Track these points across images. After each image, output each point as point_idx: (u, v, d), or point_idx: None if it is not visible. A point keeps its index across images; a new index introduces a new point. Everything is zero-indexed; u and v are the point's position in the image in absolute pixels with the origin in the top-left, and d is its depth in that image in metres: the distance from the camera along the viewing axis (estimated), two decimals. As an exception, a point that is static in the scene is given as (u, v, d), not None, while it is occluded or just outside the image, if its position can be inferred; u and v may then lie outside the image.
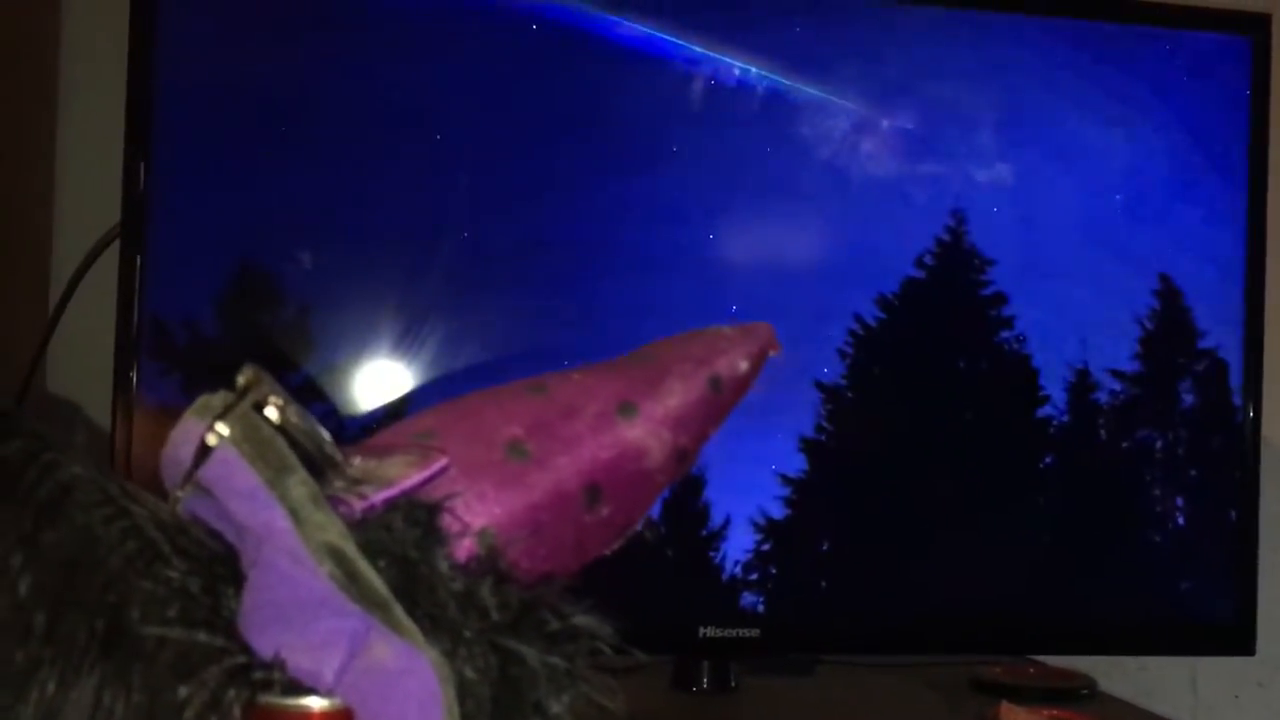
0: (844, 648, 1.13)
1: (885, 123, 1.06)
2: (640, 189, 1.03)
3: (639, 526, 0.45)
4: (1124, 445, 1.11)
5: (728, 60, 1.04)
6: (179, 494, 0.37)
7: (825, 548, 1.06)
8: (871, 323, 1.06)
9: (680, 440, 0.45)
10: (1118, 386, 1.11)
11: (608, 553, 0.45)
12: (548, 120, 1.02)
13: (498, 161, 1.01)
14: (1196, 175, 1.11)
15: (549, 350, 1.01)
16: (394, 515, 0.37)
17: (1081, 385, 1.10)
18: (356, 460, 0.39)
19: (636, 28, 1.02)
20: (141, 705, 0.34)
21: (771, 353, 0.49)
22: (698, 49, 1.03)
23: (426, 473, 0.39)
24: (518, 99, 1.01)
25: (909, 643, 1.10)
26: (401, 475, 0.38)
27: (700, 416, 0.46)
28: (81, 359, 1.10)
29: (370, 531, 0.37)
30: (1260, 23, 1.11)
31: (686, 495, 1.04)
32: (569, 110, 1.02)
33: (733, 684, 1.09)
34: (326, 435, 0.38)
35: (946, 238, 1.07)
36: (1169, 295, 1.11)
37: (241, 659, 0.35)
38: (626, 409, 0.44)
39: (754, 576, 1.05)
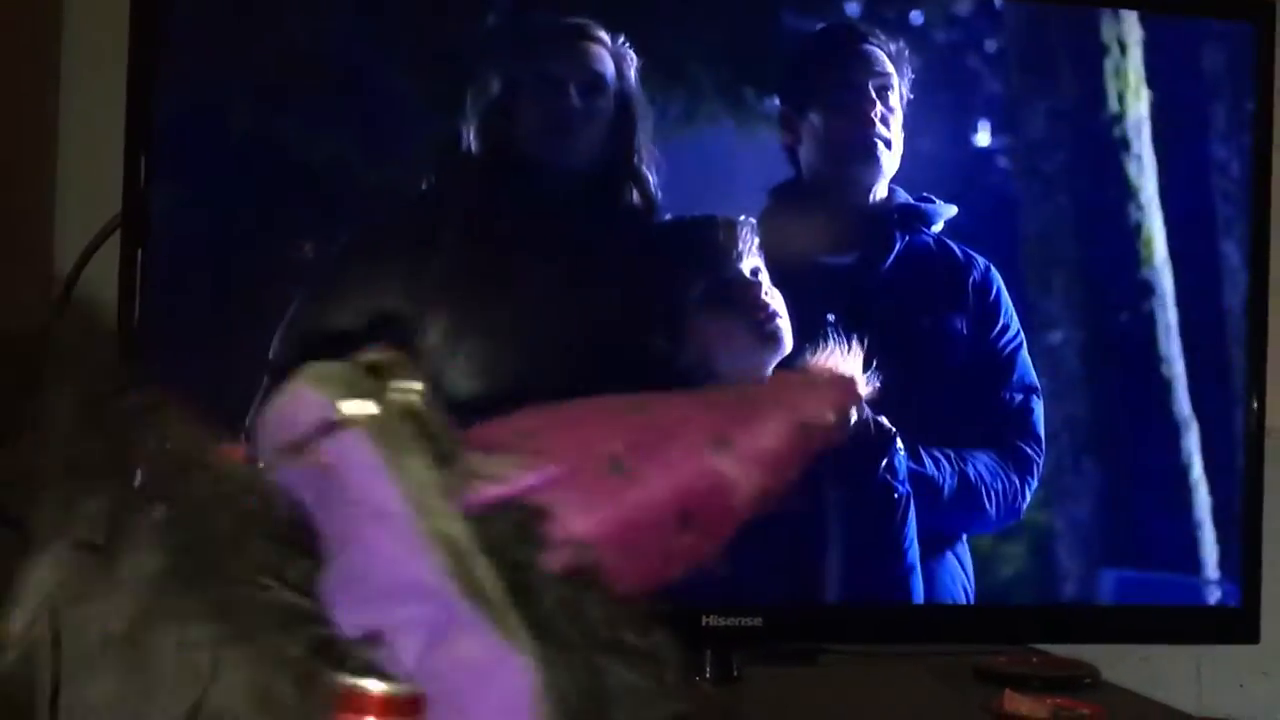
0: (847, 637, 1.13)
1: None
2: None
3: (709, 559, 0.46)
4: (1128, 435, 1.11)
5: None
6: (272, 460, 0.37)
7: (828, 537, 1.05)
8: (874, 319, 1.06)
9: (766, 480, 0.45)
10: (1122, 376, 1.11)
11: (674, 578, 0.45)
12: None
13: (505, 157, 1.01)
14: (1199, 161, 1.11)
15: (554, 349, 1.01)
16: (501, 515, 0.38)
17: (1085, 375, 1.10)
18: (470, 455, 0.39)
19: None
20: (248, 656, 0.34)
21: (851, 405, 0.50)
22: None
23: (538, 475, 0.39)
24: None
25: (912, 632, 1.10)
26: (512, 475, 0.39)
27: (786, 459, 0.46)
28: (86, 347, 1.10)
29: (485, 527, 0.37)
30: (1265, 8, 1.11)
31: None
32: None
33: (735, 673, 1.09)
34: (447, 426, 0.38)
35: (932, 240, 1.07)
36: (1172, 284, 1.10)
37: (329, 630, 0.35)
38: (722, 443, 0.45)
39: (757, 566, 1.05)
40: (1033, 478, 1.08)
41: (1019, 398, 1.08)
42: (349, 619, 0.35)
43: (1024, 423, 1.08)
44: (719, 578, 1.01)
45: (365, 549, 0.35)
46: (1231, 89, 1.10)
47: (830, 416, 0.47)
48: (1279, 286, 1.13)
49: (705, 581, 1.01)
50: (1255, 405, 1.10)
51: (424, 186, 1.01)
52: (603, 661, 0.37)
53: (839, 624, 1.07)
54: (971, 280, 1.07)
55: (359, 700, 0.35)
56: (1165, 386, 1.11)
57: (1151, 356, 1.11)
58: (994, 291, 1.08)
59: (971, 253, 1.08)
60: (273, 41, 0.99)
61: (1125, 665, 1.22)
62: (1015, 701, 1.02)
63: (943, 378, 1.08)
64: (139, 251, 0.96)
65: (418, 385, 0.37)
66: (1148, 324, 1.10)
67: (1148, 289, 1.10)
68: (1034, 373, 1.08)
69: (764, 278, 1.03)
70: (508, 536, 0.37)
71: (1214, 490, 1.10)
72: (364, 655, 0.35)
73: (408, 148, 1.01)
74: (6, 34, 1.08)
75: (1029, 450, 1.08)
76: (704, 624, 1.03)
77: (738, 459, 0.44)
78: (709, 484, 0.44)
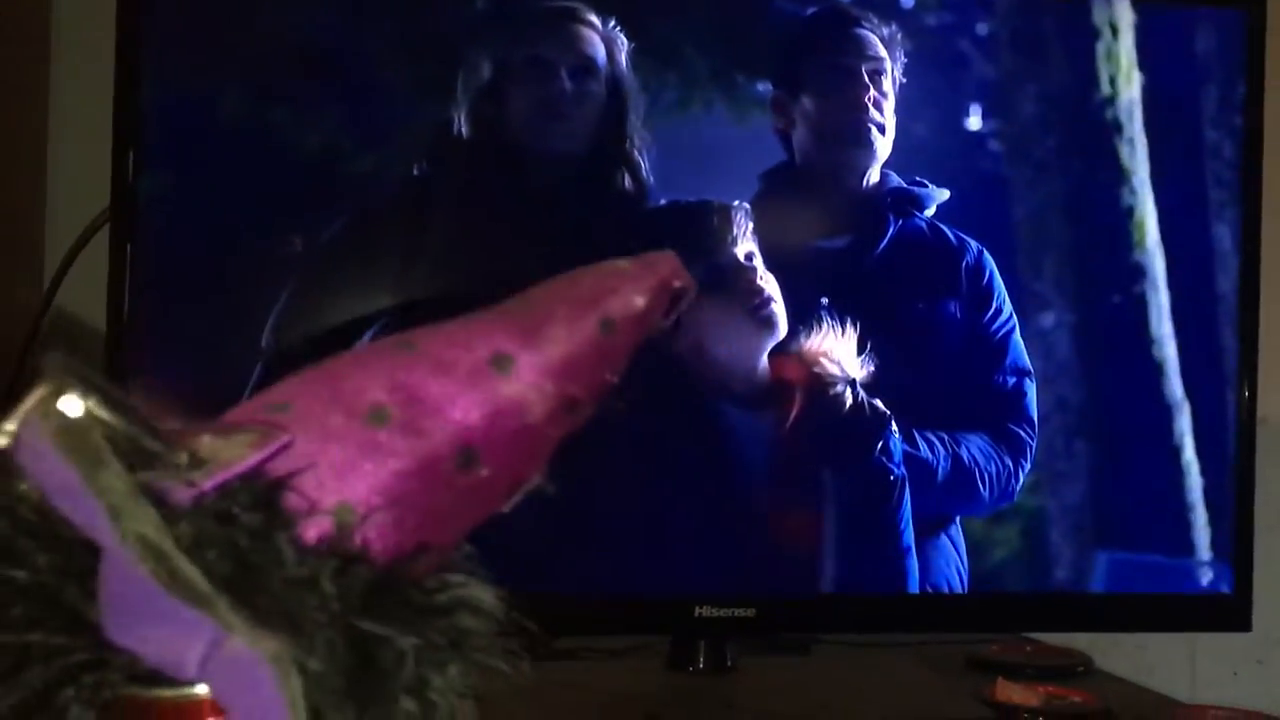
0: (840, 627, 1.13)
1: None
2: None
3: (534, 482, 0.42)
4: (1120, 423, 1.11)
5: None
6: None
7: (822, 524, 1.05)
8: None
9: (568, 390, 0.41)
10: (1115, 365, 1.11)
11: (504, 510, 0.42)
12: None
13: (496, 142, 1.01)
14: (1191, 152, 1.11)
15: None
16: (231, 500, 0.35)
17: (1079, 365, 1.10)
18: (204, 439, 0.37)
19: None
20: None
21: (676, 284, 0.44)
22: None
23: (263, 452, 0.36)
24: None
25: (905, 622, 1.10)
26: (238, 456, 0.36)
27: (591, 362, 0.42)
28: (77, 341, 1.10)
29: (198, 521, 0.35)
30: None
31: (682, 476, 1.04)
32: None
33: (729, 663, 1.09)
34: (151, 421, 0.36)
35: (928, 230, 1.07)
36: (1164, 275, 1.10)
37: (82, 656, 0.34)
38: (501, 362, 0.41)
39: (751, 555, 1.05)
40: (1026, 460, 1.08)
41: (1012, 381, 1.08)
42: (135, 633, 0.34)
43: (1017, 406, 1.08)
44: (713, 567, 1.02)
45: (110, 562, 0.34)
46: (1224, 72, 1.10)
47: (640, 303, 0.43)
48: (1270, 274, 1.13)
49: (698, 572, 1.03)
50: (1247, 394, 1.10)
51: (414, 173, 1.00)
52: (365, 628, 0.34)
53: (833, 614, 1.07)
54: (964, 264, 1.07)
55: (146, 706, 0.34)
56: (1157, 372, 1.11)
57: (1141, 347, 1.11)
58: (987, 275, 1.08)
59: (964, 237, 1.08)
60: (259, 31, 0.99)
61: (1119, 653, 1.22)
62: (1008, 690, 1.02)
63: (936, 361, 1.08)
64: (128, 245, 0.96)
65: (85, 390, 0.35)
66: (1139, 308, 1.10)
67: (1139, 272, 1.10)
68: (1026, 356, 1.08)
69: (758, 262, 1.03)
70: (233, 524, 0.35)
71: (1206, 478, 1.10)
72: (143, 668, 0.34)
73: (397, 135, 1.01)
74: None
75: (1022, 433, 1.08)
76: (697, 614, 1.03)
77: (522, 374, 0.40)
78: (488, 410, 0.40)
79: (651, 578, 1.03)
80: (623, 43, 1.02)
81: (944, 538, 1.07)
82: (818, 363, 1.03)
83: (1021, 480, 1.08)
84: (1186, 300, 1.10)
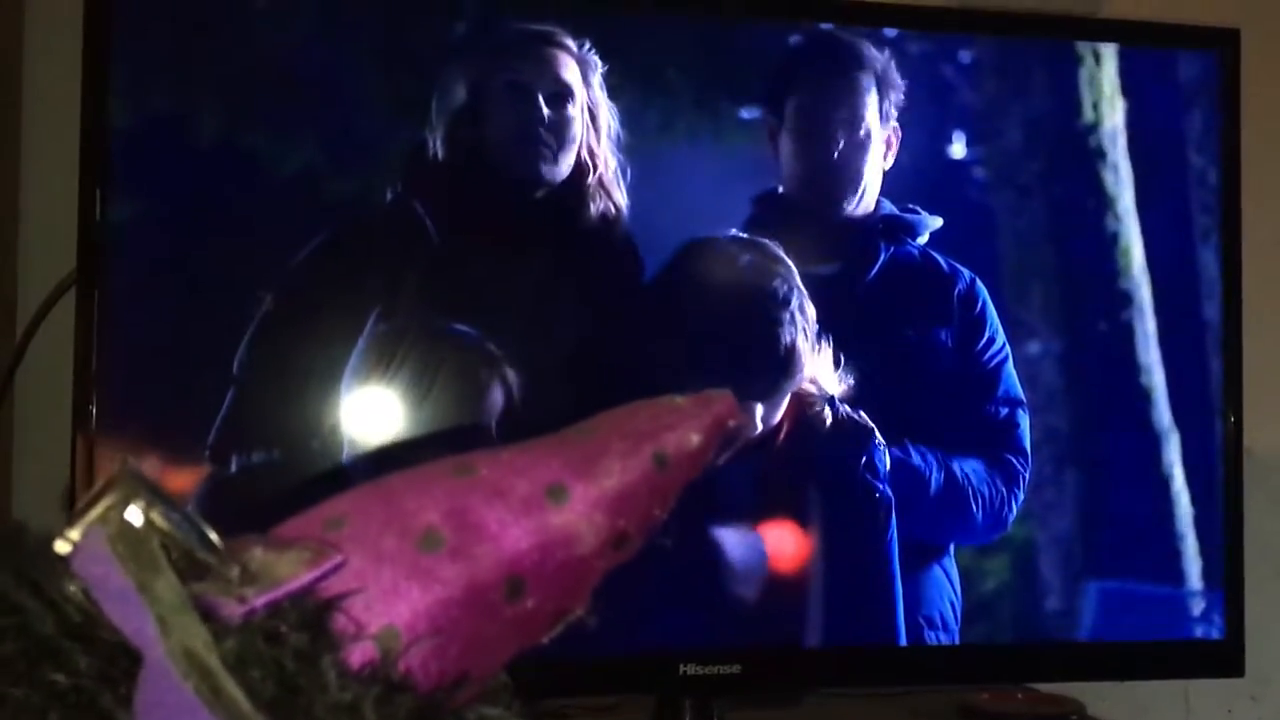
0: (828, 681, 1.11)
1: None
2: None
3: (578, 613, 0.42)
4: (1107, 453, 1.10)
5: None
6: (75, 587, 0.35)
7: (805, 579, 1.04)
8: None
9: (618, 523, 0.41)
10: (1098, 405, 1.10)
11: (544, 641, 0.42)
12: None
13: (472, 165, 1.00)
14: (1172, 187, 1.10)
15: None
16: (280, 619, 0.35)
17: (1063, 404, 1.09)
18: (258, 552, 0.37)
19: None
20: None
21: (730, 423, 0.44)
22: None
23: (315, 571, 0.36)
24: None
25: (896, 673, 1.08)
26: (290, 574, 0.36)
27: (643, 497, 0.42)
28: (48, 392, 1.09)
29: (245, 638, 0.34)
30: (1229, 37, 1.11)
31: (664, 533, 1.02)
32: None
33: (717, 718, 1.07)
34: (209, 533, 0.36)
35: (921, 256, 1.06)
36: (1145, 308, 1.09)
37: None
38: (556, 493, 0.41)
39: (734, 611, 1.03)
40: (1019, 489, 1.06)
41: (1004, 411, 1.07)
42: None
43: (1010, 436, 1.07)
44: (696, 624, 1.00)
45: (153, 673, 0.34)
46: (1205, 99, 1.10)
47: (695, 440, 0.43)
48: (1251, 309, 1.12)
49: (682, 629, 1.01)
50: (1234, 425, 1.10)
51: (389, 196, 0.99)
52: None
53: (819, 668, 1.05)
54: (957, 292, 1.06)
55: None
56: (1142, 416, 1.10)
57: (1125, 384, 1.10)
58: (979, 304, 1.06)
59: (957, 265, 1.06)
60: (232, 53, 0.98)
61: (1113, 697, 1.20)
62: (1001, 739, 1.00)
63: (928, 390, 1.06)
64: (95, 297, 0.94)
65: (149, 499, 0.35)
66: (1126, 335, 1.10)
67: (1126, 299, 1.09)
68: (1019, 386, 1.07)
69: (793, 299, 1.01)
70: (280, 643, 0.35)
71: (1196, 510, 1.09)
72: None
73: (371, 157, 0.99)
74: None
75: (1016, 464, 1.07)
76: (681, 673, 1.01)
77: (575, 506, 0.40)
78: (539, 541, 0.40)
79: (635, 635, 1.02)
80: (597, 65, 1.00)
81: (937, 570, 1.05)
82: (805, 391, 1.02)
83: (1015, 509, 1.06)
84: (1168, 339, 1.09)
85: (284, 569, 0.36)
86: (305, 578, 0.36)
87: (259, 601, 0.35)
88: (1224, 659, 1.09)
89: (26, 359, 1.09)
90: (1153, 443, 1.10)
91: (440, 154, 0.99)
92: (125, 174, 0.95)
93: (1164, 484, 1.09)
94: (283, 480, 0.94)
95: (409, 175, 0.99)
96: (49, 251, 1.11)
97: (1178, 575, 1.10)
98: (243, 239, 0.98)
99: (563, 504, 0.41)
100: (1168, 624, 1.10)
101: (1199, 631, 1.09)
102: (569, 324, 1.01)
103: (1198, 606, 1.09)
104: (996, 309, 1.07)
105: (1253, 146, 1.13)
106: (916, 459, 1.03)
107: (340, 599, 0.36)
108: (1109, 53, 1.09)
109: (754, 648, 1.03)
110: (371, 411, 0.97)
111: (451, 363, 0.97)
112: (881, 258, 1.05)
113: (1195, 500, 1.09)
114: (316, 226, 0.98)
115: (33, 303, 1.10)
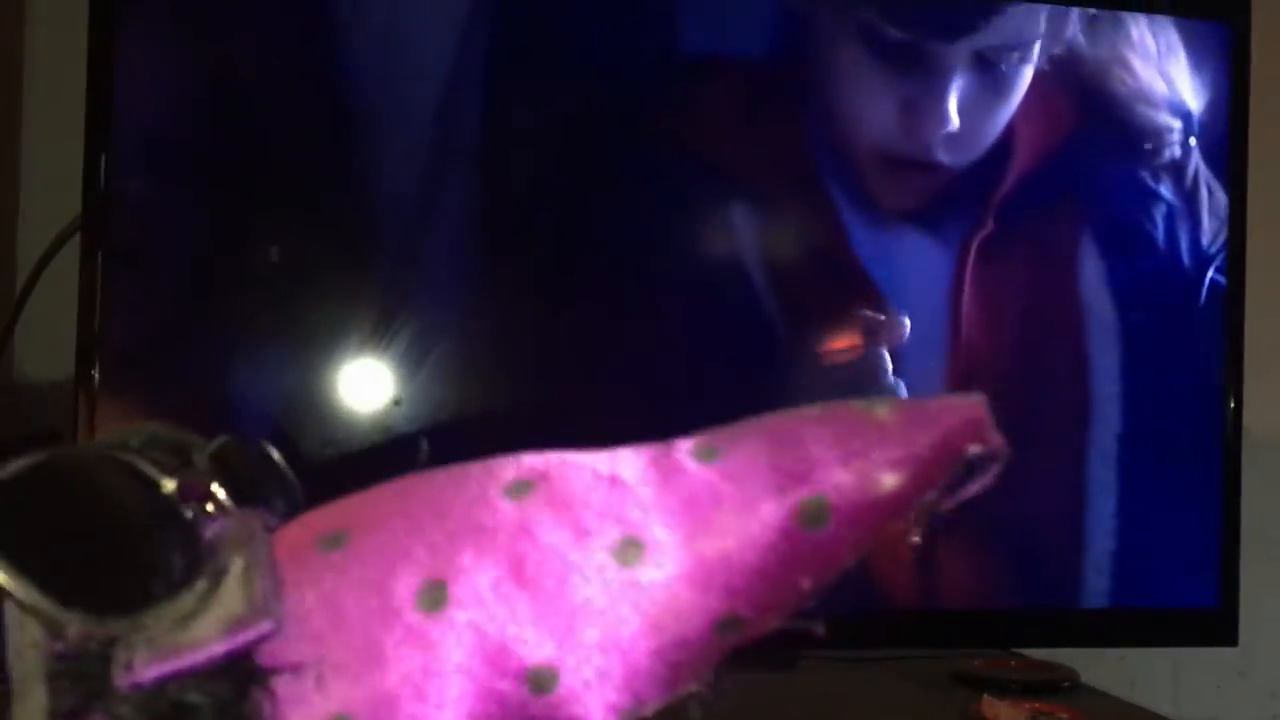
0: (824, 643, 1.12)
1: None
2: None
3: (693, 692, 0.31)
4: (1105, 435, 1.10)
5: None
6: None
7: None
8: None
9: (722, 605, 0.30)
10: (1100, 377, 1.10)
11: None
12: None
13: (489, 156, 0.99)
14: (1177, 163, 1.10)
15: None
16: (182, 691, 0.29)
17: (1065, 377, 1.10)
18: (188, 600, 0.29)
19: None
20: None
21: (969, 450, 0.30)
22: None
23: (228, 644, 0.28)
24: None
25: (889, 637, 1.08)
26: (196, 642, 0.29)
27: (771, 569, 0.30)
28: (49, 348, 1.08)
29: (121, 711, 0.29)
30: (1240, 6, 1.10)
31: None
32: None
33: (712, 679, 1.07)
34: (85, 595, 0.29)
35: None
36: (1149, 284, 1.10)
37: None
38: (628, 551, 0.30)
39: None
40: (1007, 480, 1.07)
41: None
42: None
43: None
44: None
45: None
46: (1209, 77, 1.10)
47: (887, 484, 0.29)
48: (1255, 286, 1.13)
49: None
50: (1232, 404, 1.10)
51: (402, 187, 0.98)
52: None
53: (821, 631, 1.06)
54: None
55: None
56: (1142, 388, 1.10)
57: (1127, 357, 1.10)
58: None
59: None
60: (239, 37, 0.97)
61: (1103, 666, 1.21)
62: (994, 706, 1.01)
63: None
64: (99, 254, 0.94)
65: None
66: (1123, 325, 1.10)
67: (1122, 289, 1.09)
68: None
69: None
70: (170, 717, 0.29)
71: (1192, 491, 1.10)
72: None
73: (385, 141, 0.99)
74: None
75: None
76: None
77: (660, 577, 0.29)
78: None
79: None
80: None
81: (930, 556, 1.06)
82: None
83: (1007, 499, 1.06)
84: (1170, 314, 1.10)
85: (194, 634, 0.29)
86: (212, 649, 0.29)
87: (147, 674, 0.29)
88: (1217, 627, 1.10)
89: (25, 312, 1.09)
90: (1152, 423, 1.10)
91: (463, 140, 0.98)
92: (130, 124, 0.94)
93: (1164, 461, 1.10)
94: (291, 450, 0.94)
95: (425, 166, 0.98)
96: (50, 203, 1.10)
97: (1174, 548, 1.10)
98: (249, 220, 0.98)
99: (634, 565, 0.30)
100: (1162, 592, 1.10)
101: (1192, 600, 1.10)
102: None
103: (1193, 577, 1.10)
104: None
105: (1257, 123, 1.13)
106: None
107: (270, 675, 0.29)
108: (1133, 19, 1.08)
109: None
110: (383, 385, 0.97)
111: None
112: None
113: (1195, 482, 1.10)
114: (328, 208, 0.97)
115: (32, 255, 1.10)
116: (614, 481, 0.31)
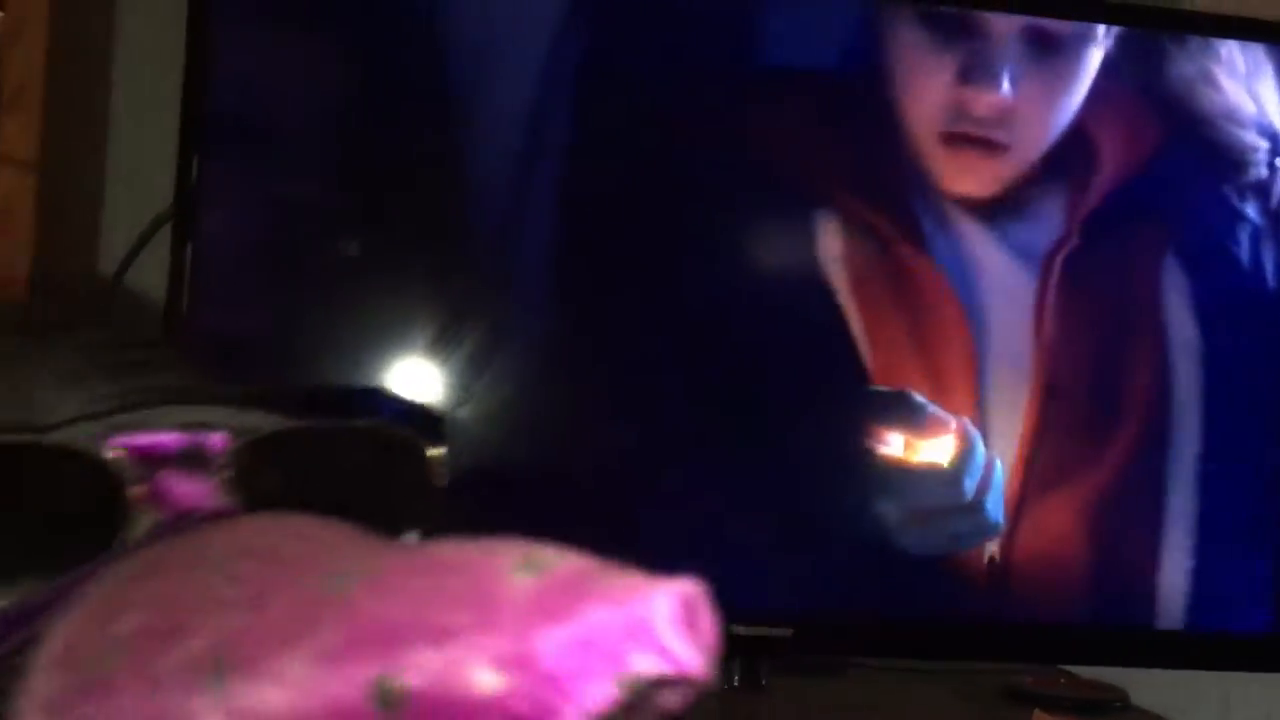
0: (876, 651, 1.13)
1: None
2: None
3: None
4: (1182, 456, 1.09)
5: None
6: None
7: (860, 549, 1.05)
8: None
9: None
10: (1181, 395, 1.09)
11: None
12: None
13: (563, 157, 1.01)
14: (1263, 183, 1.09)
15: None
16: None
17: (1145, 396, 1.09)
18: None
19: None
20: None
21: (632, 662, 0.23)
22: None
23: None
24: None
25: (941, 648, 1.09)
26: None
27: None
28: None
29: None
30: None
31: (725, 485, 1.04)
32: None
33: (763, 682, 1.09)
34: None
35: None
36: (1232, 306, 1.09)
37: None
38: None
39: (788, 575, 1.05)
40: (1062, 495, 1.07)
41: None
42: None
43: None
44: (748, 584, 1.02)
45: None
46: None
47: (482, 683, 0.23)
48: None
49: (734, 588, 1.02)
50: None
51: (498, 184, 0.99)
52: None
53: (870, 637, 1.07)
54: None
55: None
56: (1194, 401, 1.09)
57: (1180, 368, 1.09)
58: None
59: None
60: (331, 34, 1.00)
61: (1152, 690, 1.21)
62: (1045, 722, 1.01)
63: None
64: (188, 245, 0.97)
65: None
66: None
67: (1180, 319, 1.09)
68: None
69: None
70: None
71: (1256, 515, 1.09)
72: None
73: (474, 147, 1.00)
74: (59, 24, 1.09)
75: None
76: (732, 632, 1.02)
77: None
78: None
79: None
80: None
81: (984, 569, 1.06)
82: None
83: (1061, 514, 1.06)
84: (1221, 338, 1.09)
85: None
86: None
87: None
88: (1272, 653, 1.09)
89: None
90: (1228, 438, 1.09)
91: (569, 139, 0.99)
92: (224, 112, 0.97)
93: (1220, 480, 1.09)
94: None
95: (520, 167, 0.99)
96: (136, 191, 1.13)
97: (1232, 568, 1.10)
98: (331, 222, 0.99)
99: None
100: (1218, 615, 1.10)
101: (1247, 624, 1.10)
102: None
103: (1248, 599, 1.10)
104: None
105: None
106: None
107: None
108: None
109: (806, 613, 1.04)
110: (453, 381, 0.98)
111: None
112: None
113: (1257, 496, 1.09)
114: (412, 213, 1.00)
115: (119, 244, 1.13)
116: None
